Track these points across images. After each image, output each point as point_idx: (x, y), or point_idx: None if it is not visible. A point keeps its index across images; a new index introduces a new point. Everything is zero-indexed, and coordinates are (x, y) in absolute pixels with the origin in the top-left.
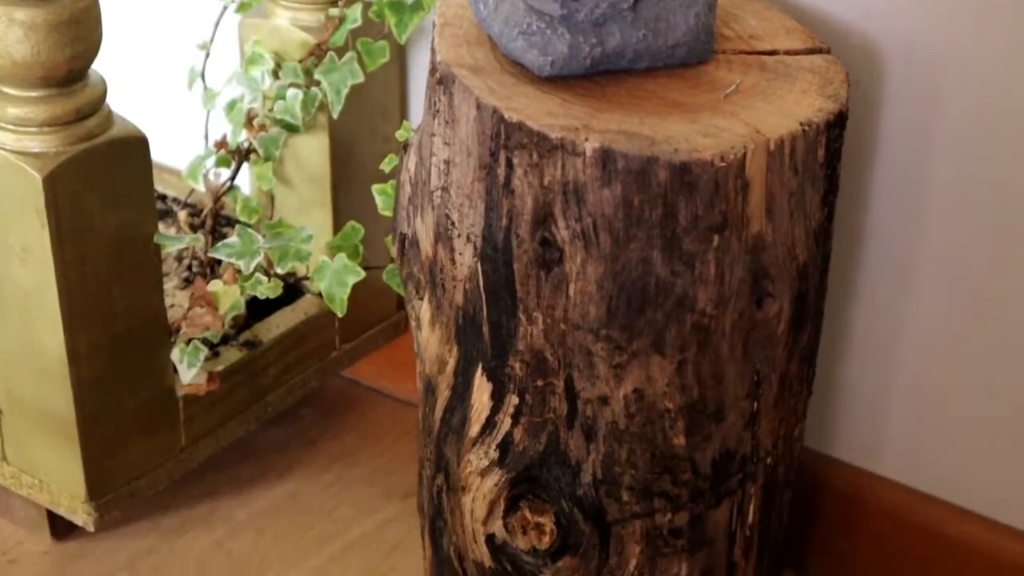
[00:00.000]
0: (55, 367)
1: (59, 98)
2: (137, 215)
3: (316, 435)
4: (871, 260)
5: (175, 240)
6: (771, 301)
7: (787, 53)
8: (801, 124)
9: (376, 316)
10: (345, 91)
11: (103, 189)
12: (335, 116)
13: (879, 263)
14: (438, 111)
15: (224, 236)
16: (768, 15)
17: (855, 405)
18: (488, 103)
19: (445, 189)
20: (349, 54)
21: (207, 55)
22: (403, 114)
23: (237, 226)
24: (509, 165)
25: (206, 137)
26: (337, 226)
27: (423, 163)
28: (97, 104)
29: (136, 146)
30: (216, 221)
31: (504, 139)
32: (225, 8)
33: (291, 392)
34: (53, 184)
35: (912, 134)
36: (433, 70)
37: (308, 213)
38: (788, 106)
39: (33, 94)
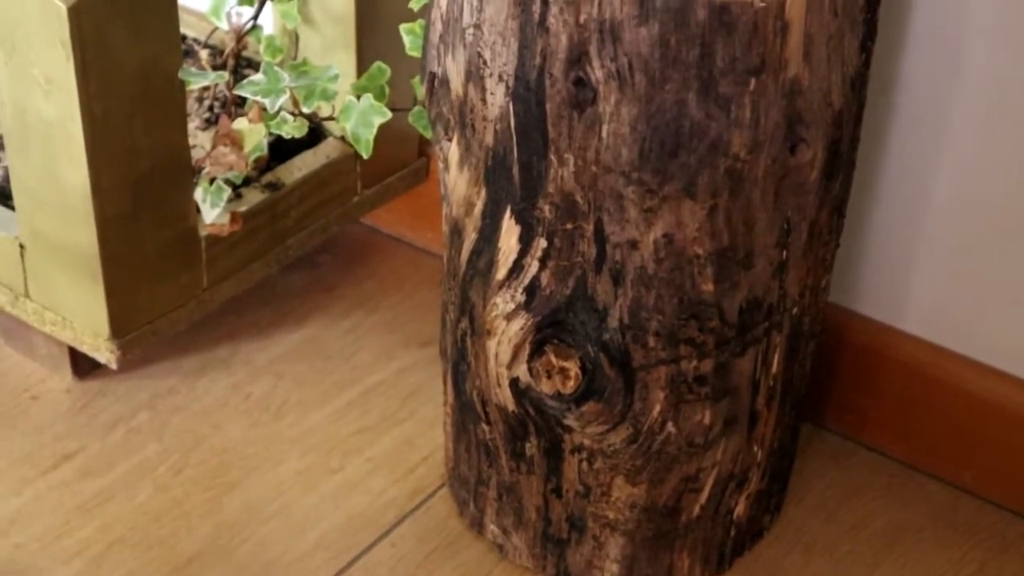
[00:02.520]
0: (78, 203)
1: None
2: (162, 49)
3: (335, 281)
4: (903, 108)
5: (200, 76)
6: (805, 148)
7: None
8: None
9: (397, 162)
10: None
11: (128, 21)
12: None
13: (911, 112)
14: None
15: (246, 77)
16: None
17: (880, 258)
18: None
19: (478, 26)
20: None
21: None
22: None
23: (263, 63)
24: (544, 2)
25: None
26: (361, 67)
27: (455, 0)
28: None
29: None
30: (238, 61)
31: None
32: None
33: (312, 236)
34: (78, 15)
35: None
36: None
37: (332, 54)
38: None
39: None
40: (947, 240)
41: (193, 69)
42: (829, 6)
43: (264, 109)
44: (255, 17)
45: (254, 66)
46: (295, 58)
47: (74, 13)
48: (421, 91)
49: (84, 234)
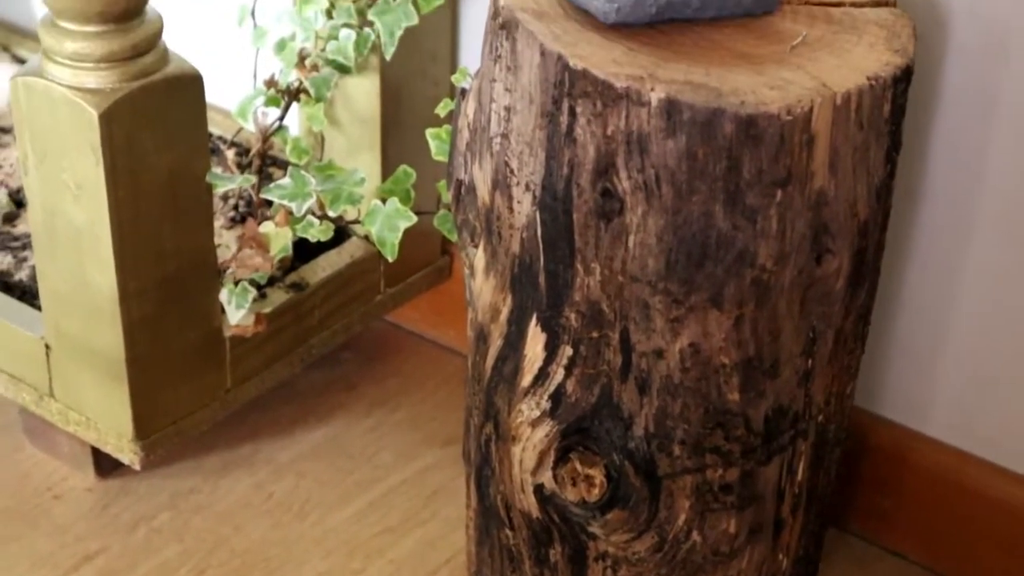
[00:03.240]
0: (106, 306)
1: (116, 34)
2: (190, 153)
3: (358, 379)
4: (927, 216)
5: (227, 179)
6: (831, 258)
7: (853, 5)
8: (868, 78)
9: (421, 261)
10: (399, 33)
11: (157, 127)
12: (388, 58)
13: (935, 220)
14: (499, 57)
15: (271, 176)
16: None
17: (905, 363)
18: (552, 49)
19: (505, 136)
20: None
21: None
22: (454, 56)
23: (289, 167)
24: (572, 114)
25: (255, 75)
26: (386, 168)
27: (482, 109)
28: (153, 41)
29: (191, 84)
30: (263, 161)
31: (568, 87)
32: None
33: (335, 335)
34: (109, 121)
35: (975, 88)
36: (495, 14)
37: (357, 155)
38: (855, 59)
39: (91, 29)
40: (971, 346)
41: (221, 172)
42: (855, 119)
43: (290, 212)
44: (281, 118)
45: (279, 164)
46: (320, 158)
47: (105, 120)
48: (447, 195)
49: (110, 337)
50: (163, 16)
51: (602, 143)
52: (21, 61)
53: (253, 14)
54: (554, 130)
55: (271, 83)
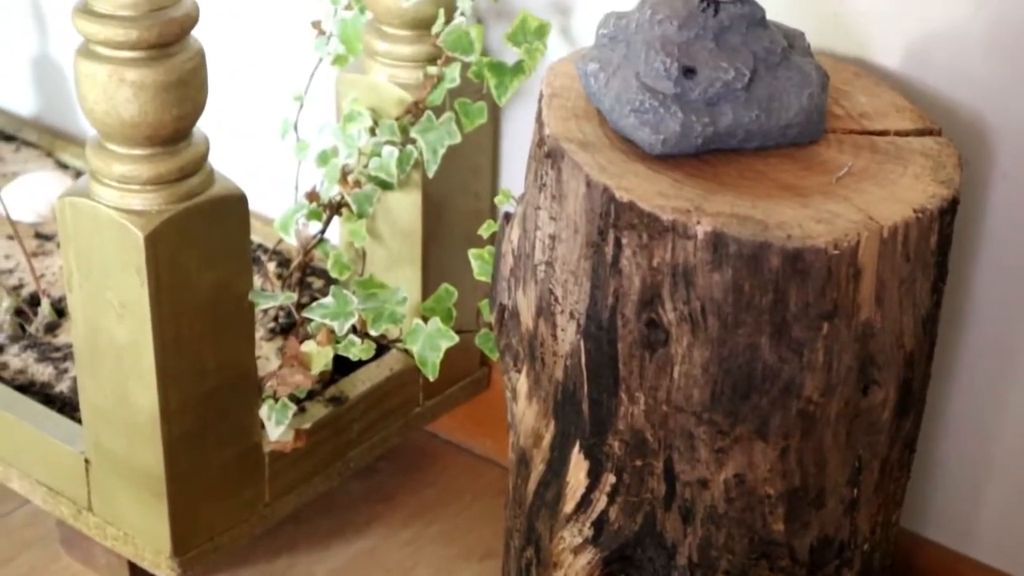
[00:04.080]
0: (146, 423)
1: (163, 157)
2: (233, 272)
3: (394, 490)
4: (972, 341)
5: (269, 297)
6: (877, 389)
7: (898, 134)
8: (915, 211)
9: (459, 372)
10: (442, 151)
11: (202, 247)
12: (431, 176)
13: (980, 345)
14: (544, 185)
15: (311, 285)
16: (878, 92)
17: (950, 486)
18: (598, 181)
19: (549, 264)
20: (447, 114)
21: (301, 106)
22: (495, 170)
23: (332, 286)
24: (618, 244)
25: (296, 187)
26: (426, 282)
27: (527, 236)
28: (200, 163)
29: (236, 205)
30: (304, 273)
31: (614, 218)
32: (320, 60)
33: (373, 448)
34: (155, 243)
35: (1020, 214)
36: (541, 143)
37: (397, 269)
38: (901, 191)
39: (138, 152)
40: (1016, 469)
41: (262, 286)
42: (901, 251)
43: (332, 331)
44: (322, 231)
45: (317, 273)
46: (361, 272)
47: (150, 241)
48: (488, 312)
49: (150, 453)
50: (208, 134)
51: (648, 274)
52: (64, 166)
53: (296, 127)
54: (599, 260)
55: (312, 196)
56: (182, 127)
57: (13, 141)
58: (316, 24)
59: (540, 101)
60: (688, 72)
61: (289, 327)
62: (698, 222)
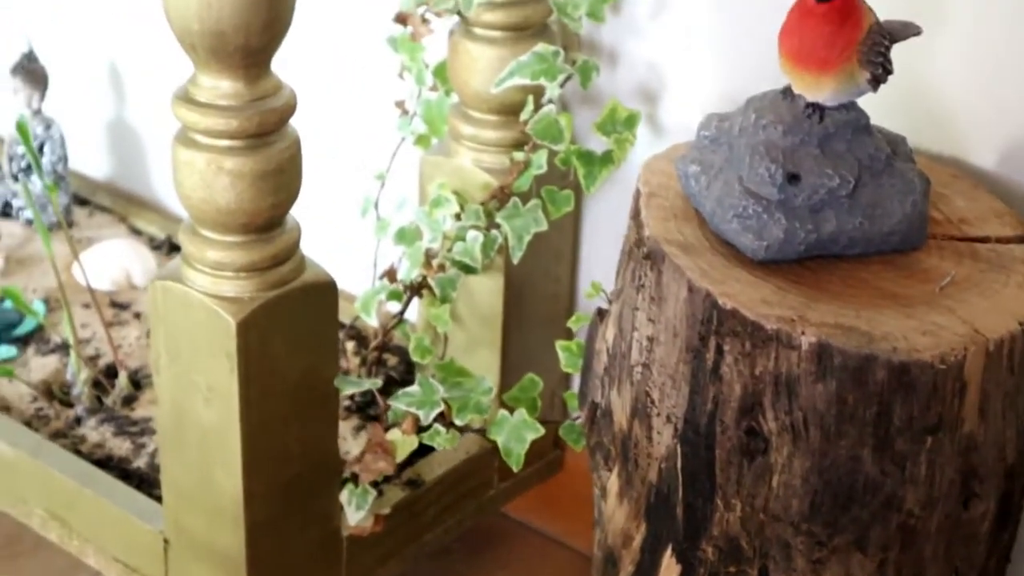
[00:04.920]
0: (229, 506)
1: (257, 244)
2: (320, 358)
3: (467, 571)
4: None
5: (355, 384)
6: (978, 502)
7: (999, 241)
8: (1020, 323)
9: (533, 454)
10: (528, 238)
11: (291, 333)
12: (515, 262)
13: None
14: (643, 286)
15: (385, 363)
16: (976, 195)
17: None
18: (701, 286)
19: (647, 366)
20: (533, 201)
21: (382, 185)
22: (575, 256)
23: (418, 375)
24: (719, 351)
25: (375, 265)
26: (505, 366)
27: (623, 336)
28: (292, 249)
29: (326, 291)
30: (381, 351)
31: (716, 325)
32: (403, 140)
33: (448, 531)
34: (246, 329)
35: None
36: (639, 243)
37: (476, 351)
38: (1005, 301)
39: (232, 239)
40: None
41: (347, 375)
42: (1006, 364)
43: (417, 419)
44: (402, 312)
45: (391, 350)
46: (442, 355)
47: (242, 327)
48: (573, 402)
49: (232, 536)
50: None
51: (749, 382)
52: (137, 232)
53: (376, 206)
54: (699, 366)
55: (391, 275)
56: (277, 215)
57: (87, 205)
58: (400, 104)
59: (637, 199)
60: (793, 178)
61: (365, 406)
62: (803, 332)
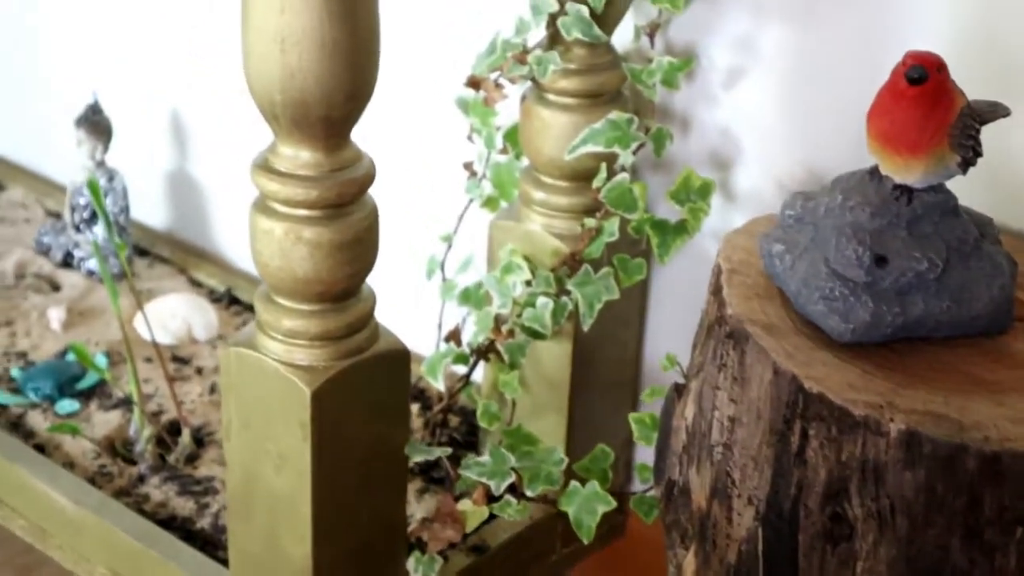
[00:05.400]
0: (297, 574)
1: (332, 312)
2: (392, 425)
3: None
4: None
5: (425, 451)
6: None
7: None
8: None
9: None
10: (599, 306)
11: (364, 401)
12: (586, 329)
13: None
14: (725, 365)
15: (447, 423)
16: None
17: None
18: (786, 369)
19: (728, 447)
20: (606, 269)
21: (448, 247)
22: (642, 321)
23: (484, 439)
24: (804, 435)
25: (439, 326)
26: (571, 431)
27: (703, 414)
28: (367, 319)
29: (399, 360)
30: (446, 414)
31: (801, 409)
32: (471, 201)
33: None
34: (320, 399)
35: None
36: (721, 321)
37: (542, 416)
38: None
39: (307, 308)
40: None
41: (418, 444)
42: None
43: (488, 489)
44: (468, 375)
45: (454, 411)
46: (509, 421)
47: (316, 397)
48: (646, 476)
49: None
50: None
51: (835, 467)
52: (197, 283)
53: (443, 267)
54: (783, 449)
55: (455, 336)
56: (353, 284)
57: (147, 256)
58: (468, 166)
59: (718, 275)
60: (880, 261)
61: (428, 467)
62: (891, 419)
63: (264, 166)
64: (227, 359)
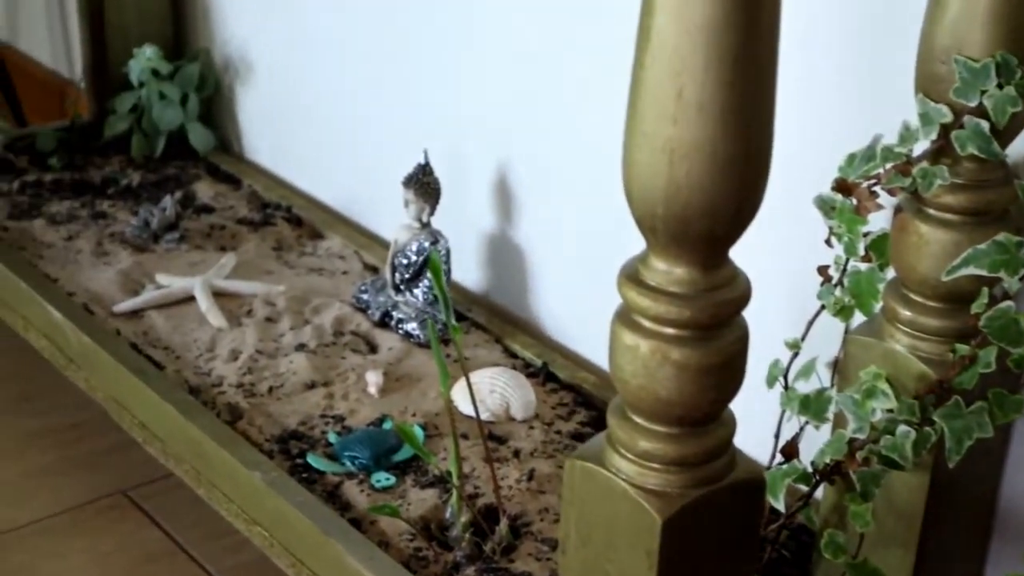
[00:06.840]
0: None
1: (692, 437)
2: (740, 557)
3: None
4: None
5: None
6: None
7: None
8: None
9: None
10: (969, 443)
11: (714, 532)
12: (951, 465)
13: None
14: None
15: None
16: None
17: None
18: None
19: None
20: (979, 404)
21: (795, 355)
22: (1003, 455)
23: (819, 562)
24: None
25: (776, 436)
26: (918, 568)
27: None
28: (726, 445)
29: (755, 489)
30: (780, 533)
31: None
32: (822, 308)
33: None
34: (670, 528)
35: None
36: None
37: (886, 548)
38: None
39: (665, 430)
40: None
41: None
42: None
43: None
44: (808, 496)
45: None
46: (855, 554)
47: (668, 526)
48: None
49: None
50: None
51: None
52: (512, 354)
53: (786, 376)
54: None
55: (792, 449)
56: (715, 409)
57: (463, 320)
58: (823, 270)
59: None
60: None
61: None
62: None
63: (634, 278)
64: (572, 472)
